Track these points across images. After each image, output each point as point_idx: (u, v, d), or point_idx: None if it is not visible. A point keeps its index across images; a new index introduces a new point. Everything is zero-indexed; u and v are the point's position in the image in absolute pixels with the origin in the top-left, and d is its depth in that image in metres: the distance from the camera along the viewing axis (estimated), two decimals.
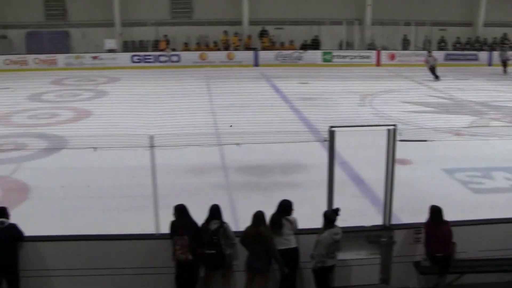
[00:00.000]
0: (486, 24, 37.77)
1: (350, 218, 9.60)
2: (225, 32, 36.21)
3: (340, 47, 36.62)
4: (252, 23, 36.63)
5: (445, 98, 24.69)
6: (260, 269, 8.44)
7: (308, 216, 8.98)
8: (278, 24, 36.66)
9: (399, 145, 8.71)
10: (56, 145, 16.78)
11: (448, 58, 35.14)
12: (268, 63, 34.66)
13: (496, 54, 34.31)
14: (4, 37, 36.96)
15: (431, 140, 14.96)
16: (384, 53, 35.47)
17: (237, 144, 9.68)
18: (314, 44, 36.04)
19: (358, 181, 14.20)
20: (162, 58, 35.19)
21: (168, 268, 8.63)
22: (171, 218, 8.58)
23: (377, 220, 9.41)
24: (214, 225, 8.40)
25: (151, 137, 8.72)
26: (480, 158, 15.72)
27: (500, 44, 36.40)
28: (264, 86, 27.61)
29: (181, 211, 8.56)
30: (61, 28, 36.97)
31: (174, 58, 35.13)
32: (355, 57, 35.41)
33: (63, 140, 16.90)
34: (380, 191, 9.56)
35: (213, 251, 8.37)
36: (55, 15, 37.24)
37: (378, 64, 35.16)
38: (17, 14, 35.86)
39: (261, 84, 28.19)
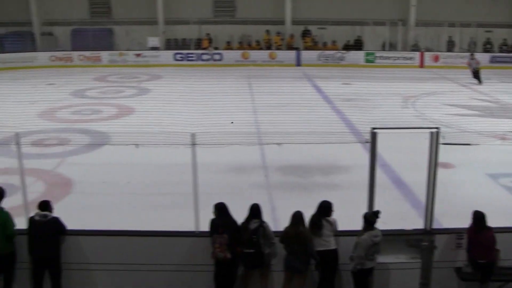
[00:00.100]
0: None
1: (391, 221, 9.51)
2: (267, 32, 36.18)
3: (383, 48, 36.24)
4: (295, 22, 36.51)
5: (490, 102, 24.23)
6: (298, 269, 8.45)
7: (348, 217, 8.94)
8: (320, 24, 36.43)
9: (441, 148, 8.59)
10: (98, 141, 17.03)
11: (494, 60, 34.41)
12: (310, 63, 34.52)
13: None
14: (50, 34, 37.66)
15: (474, 144, 14.74)
16: (427, 55, 34.96)
17: (278, 144, 9.68)
18: (357, 45, 35.73)
19: (399, 184, 14.06)
20: (204, 57, 35.37)
21: (207, 266, 8.69)
22: (211, 216, 8.64)
23: (418, 224, 9.30)
24: (254, 224, 8.43)
25: (193, 135, 8.79)
26: None
27: None
28: (306, 86, 27.52)
29: (221, 209, 8.62)
30: (105, 25, 37.50)
31: (217, 57, 35.29)
32: (398, 58, 34.99)
33: (106, 136, 17.16)
34: (421, 195, 9.45)
35: (252, 250, 8.40)
36: (100, 12, 37.80)
37: (421, 65, 34.68)
38: (63, 12, 36.48)
39: (303, 84, 28.11)
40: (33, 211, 8.71)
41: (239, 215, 8.65)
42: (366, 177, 8.72)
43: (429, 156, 8.66)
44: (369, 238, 8.20)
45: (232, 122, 16.99)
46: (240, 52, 35.49)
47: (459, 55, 34.62)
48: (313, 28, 36.46)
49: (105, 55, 35.55)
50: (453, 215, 10.71)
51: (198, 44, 36.48)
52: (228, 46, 36.12)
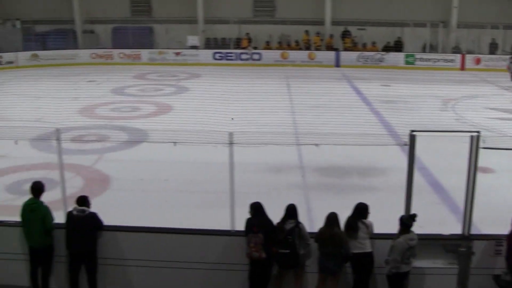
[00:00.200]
0: None
1: (428, 225, 9.39)
2: (307, 32, 36.07)
3: (424, 50, 35.77)
4: (334, 23, 36.31)
5: None
6: (332, 271, 8.41)
7: (384, 220, 8.86)
8: (360, 25, 36.15)
9: (482, 152, 8.44)
10: (137, 138, 17.21)
11: None
12: (350, 64, 34.29)
13: None
14: (92, 32, 38.25)
15: None
16: (469, 57, 34.36)
17: (316, 144, 9.62)
18: (397, 46, 35.35)
19: (437, 187, 13.87)
20: (243, 56, 35.45)
21: (241, 265, 8.71)
22: (247, 215, 8.65)
23: (455, 229, 9.15)
24: (289, 225, 8.41)
25: (231, 134, 8.81)
26: None
27: None
28: (344, 87, 27.37)
29: (257, 209, 8.61)
30: (146, 24, 37.94)
31: (256, 57, 35.33)
32: (438, 60, 34.51)
33: (144, 134, 17.33)
34: (460, 199, 9.31)
35: (287, 251, 8.37)
36: (141, 11, 38.24)
37: (462, 68, 34.14)
38: (105, 10, 37.03)
39: (342, 85, 27.95)
40: (71, 206, 8.84)
41: (275, 215, 8.63)
42: (404, 180, 8.61)
43: (469, 160, 8.51)
44: (405, 242, 8.10)
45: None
46: (279, 52, 35.46)
47: (501, 57, 33.94)
48: (352, 29, 36.21)
49: (145, 53, 35.94)
50: (492, 221, 10.50)
51: (238, 44, 36.57)
52: (267, 46, 36.13)
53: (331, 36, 35.94)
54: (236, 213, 8.94)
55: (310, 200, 12.93)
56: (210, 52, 35.90)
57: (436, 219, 11.23)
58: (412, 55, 34.67)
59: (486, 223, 10.37)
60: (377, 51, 35.16)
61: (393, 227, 8.42)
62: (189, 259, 8.95)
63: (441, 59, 34.55)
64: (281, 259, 8.48)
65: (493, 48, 35.55)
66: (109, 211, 9.64)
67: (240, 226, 8.71)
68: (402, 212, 8.56)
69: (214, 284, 9.10)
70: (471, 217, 8.78)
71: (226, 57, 35.59)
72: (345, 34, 36.04)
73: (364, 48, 35.46)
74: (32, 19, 37.15)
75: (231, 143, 8.82)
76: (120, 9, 37.70)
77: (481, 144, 8.39)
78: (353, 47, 35.69)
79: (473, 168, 8.50)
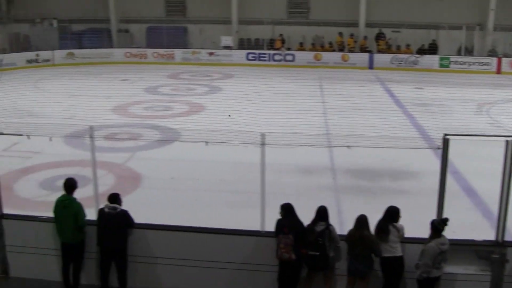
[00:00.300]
0: None
1: (460, 231, 9.25)
2: (340, 34, 35.89)
3: (459, 53, 35.24)
4: (369, 25, 36.05)
5: None
6: (362, 273, 8.36)
7: (415, 224, 8.76)
8: (395, 27, 35.80)
9: None
10: (169, 137, 17.32)
11: None
12: (383, 66, 34.00)
13: None
14: (127, 31, 38.66)
15: None
16: (505, 61, 33.74)
17: (348, 146, 9.55)
18: (432, 49, 34.95)
19: (470, 192, 13.68)
20: (276, 57, 35.42)
21: (271, 266, 8.69)
22: (277, 216, 8.62)
23: (489, 235, 8.99)
24: (320, 227, 8.37)
25: (263, 135, 8.80)
26: None
27: None
28: (378, 90, 27.16)
29: (287, 210, 8.58)
30: (180, 24, 38.18)
31: (289, 58, 35.29)
32: (474, 63, 33.98)
33: (176, 133, 17.41)
34: (493, 205, 9.15)
35: (317, 253, 8.33)
36: (175, 11, 38.51)
37: (498, 71, 33.55)
38: (140, 10, 37.36)
39: (375, 87, 27.74)
40: (103, 203, 8.93)
41: (305, 216, 8.60)
42: (436, 183, 8.50)
43: (504, 165, 8.36)
44: (436, 246, 7.99)
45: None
46: (312, 53, 35.36)
47: None
48: (387, 31, 35.89)
49: (178, 53, 36.17)
50: None
51: (271, 45, 36.57)
52: (301, 47, 36.05)
53: (365, 38, 35.69)
54: (266, 214, 8.93)
55: (340, 202, 12.86)
56: (243, 52, 35.95)
57: (468, 224, 11.06)
58: (447, 58, 34.22)
59: None
60: (411, 53, 34.79)
61: (424, 232, 8.31)
62: (218, 258, 8.97)
63: (477, 62, 34.02)
64: (310, 261, 8.44)
65: None
66: (140, 209, 9.70)
67: (270, 227, 8.70)
68: (433, 216, 8.45)
69: (243, 285, 9.11)
70: (505, 223, 8.61)
71: (259, 57, 35.60)
72: (379, 36, 35.77)
73: (398, 50, 35.12)
74: (69, 18, 37.69)
75: (262, 144, 8.82)
76: (155, 9, 38.03)
77: None
78: (387, 49, 35.39)
79: (507, 173, 8.34)
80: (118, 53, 36.25)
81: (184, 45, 37.48)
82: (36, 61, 34.45)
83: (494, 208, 8.97)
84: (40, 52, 34.84)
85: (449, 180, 8.70)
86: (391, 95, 26.02)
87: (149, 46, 37.16)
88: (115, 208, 8.79)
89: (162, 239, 9.23)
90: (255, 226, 9.03)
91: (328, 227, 8.41)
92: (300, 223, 8.51)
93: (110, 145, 16.12)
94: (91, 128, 9.35)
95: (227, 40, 36.39)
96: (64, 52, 35.45)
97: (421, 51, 34.72)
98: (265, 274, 8.83)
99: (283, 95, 20.95)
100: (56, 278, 9.42)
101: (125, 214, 8.86)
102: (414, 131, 18.68)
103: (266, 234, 8.87)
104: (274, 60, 35.38)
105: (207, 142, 9.73)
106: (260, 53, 35.84)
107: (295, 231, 8.34)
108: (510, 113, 22.00)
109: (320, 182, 14.28)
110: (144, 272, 9.28)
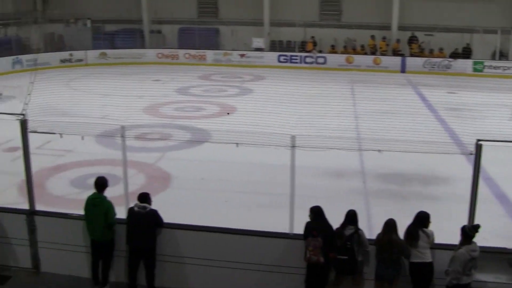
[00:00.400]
0: None
1: (492, 238, 9.12)
2: (373, 37, 35.63)
3: (493, 57, 34.70)
4: (401, 28, 35.70)
5: None
6: (389, 278, 8.27)
7: (445, 231, 8.66)
8: (428, 30, 35.38)
9: None
10: (199, 138, 17.38)
11: None
12: (416, 70, 33.64)
13: None
14: (159, 32, 38.95)
15: None
16: None
17: (379, 150, 9.48)
18: (465, 53, 34.48)
19: (503, 199, 13.47)
20: (308, 59, 35.32)
21: (299, 268, 8.66)
22: (306, 218, 8.60)
23: None
24: (349, 231, 8.32)
25: (293, 137, 8.79)
26: None
27: None
28: (409, 94, 26.89)
29: (317, 212, 8.55)
30: (212, 25, 38.33)
31: (320, 60, 35.15)
32: (508, 68, 33.39)
33: (206, 134, 17.49)
34: None
35: (345, 257, 8.29)
36: (207, 12, 38.70)
37: None
38: (172, 11, 37.59)
39: (407, 91, 27.48)
40: (133, 202, 9.00)
41: (334, 220, 8.55)
42: (467, 189, 8.39)
43: None
44: (467, 253, 7.87)
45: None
46: (344, 56, 35.14)
47: None
48: (420, 35, 35.48)
49: (210, 54, 36.32)
50: None
51: (303, 47, 36.50)
52: (333, 50, 35.90)
53: (398, 41, 35.38)
54: (295, 216, 8.90)
55: (370, 206, 12.78)
56: (275, 54, 35.93)
57: (501, 232, 10.90)
58: (481, 62, 33.71)
59: None
60: (444, 57, 34.37)
61: (454, 238, 8.19)
62: (245, 260, 8.97)
63: None
64: (339, 265, 8.39)
65: None
66: (169, 209, 9.76)
67: (299, 229, 8.67)
68: (464, 222, 8.32)
69: (270, 287, 9.09)
70: None
71: (290, 60, 35.55)
72: (412, 40, 35.41)
73: (431, 54, 34.72)
74: (102, 18, 38.17)
75: (293, 146, 8.80)
76: (187, 10, 38.24)
77: None
78: (420, 53, 35.01)
79: None
80: (150, 53, 36.57)
81: (215, 46, 37.61)
82: (69, 60, 34.93)
83: None
84: (73, 52, 35.33)
85: (481, 186, 8.57)
86: (423, 99, 25.76)
87: (181, 47, 37.36)
88: (144, 208, 8.85)
89: (190, 239, 9.27)
90: (284, 228, 9.01)
91: (357, 231, 8.35)
92: (329, 226, 8.47)
93: (141, 145, 16.23)
94: (123, 128, 9.43)
95: (258, 42, 36.40)
96: (97, 52, 35.88)
97: (455, 55, 34.26)
98: (293, 276, 8.80)
99: (314, 97, 20.82)
100: (86, 275, 9.54)
101: (154, 214, 8.92)
102: (446, 136, 18.46)
103: (295, 236, 8.85)
104: (306, 63, 35.28)
105: (237, 143, 9.74)
106: (291, 55, 35.76)
107: (324, 234, 8.30)
108: None
109: (350, 186, 14.21)
110: (172, 272, 9.33)
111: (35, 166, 10.15)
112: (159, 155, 16.54)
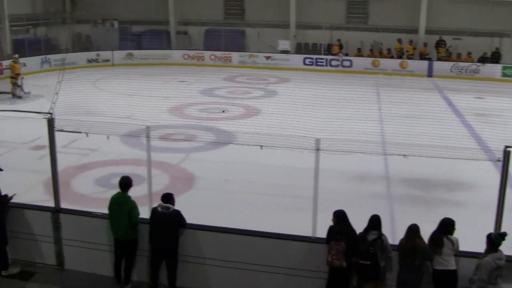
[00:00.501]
0: None
1: None
2: (400, 40, 35.37)
3: None
4: (429, 32, 35.35)
5: None
6: (412, 284, 8.16)
7: (470, 238, 8.54)
8: (456, 34, 35.00)
9: None
10: (223, 140, 17.41)
11: None
12: (443, 74, 33.30)
13: None
14: (185, 33, 39.15)
15: None
16: None
17: (404, 155, 9.39)
18: (494, 57, 34.00)
19: None
20: (333, 62, 35.17)
21: (320, 272, 8.62)
22: (329, 222, 8.55)
23: None
24: (372, 236, 8.25)
25: (317, 140, 8.75)
26: None
27: None
28: (436, 98, 26.64)
29: (340, 216, 8.50)
30: (238, 27, 38.40)
31: (346, 63, 34.99)
32: None
33: (231, 135, 17.50)
34: None
35: (368, 262, 8.21)
36: (234, 14, 38.81)
37: None
38: (199, 12, 37.77)
39: (433, 96, 27.23)
40: (157, 202, 9.02)
41: (357, 224, 8.49)
42: (494, 196, 8.27)
43: None
44: (493, 261, 7.75)
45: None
46: (370, 59, 34.95)
47: None
48: (448, 38, 35.11)
49: (235, 56, 36.38)
50: None
51: (328, 50, 36.36)
52: (359, 53, 35.72)
53: (425, 44, 35.06)
54: (318, 220, 8.86)
55: (394, 211, 12.68)
56: (300, 57, 35.85)
57: None
58: (510, 67, 33.23)
59: None
60: (472, 61, 33.92)
61: (480, 246, 8.07)
62: (267, 262, 8.95)
63: None
64: (361, 270, 8.33)
65: None
66: (192, 209, 9.76)
67: (321, 233, 8.62)
68: (490, 230, 8.20)
69: None
70: None
71: (316, 62, 35.43)
72: (440, 44, 35.07)
73: (459, 58, 34.31)
74: (129, 19, 38.50)
75: (317, 150, 8.76)
76: (213, 12, 38.38)
77: None
78: (447, 57, 34.66)
79: None
80: (176, 54, 36.73)
81: (241, 48, 37.67)
82: (96, 60, 35.27)
83: None
84: (100, 52, 35.67)
85: (509, 193, 8.45)
86: (450, 104, 25.49)
87: (206, 48, 37.48)
88: (168, 208, 8.87)
89: (213, 240, 9.27)
90: (306, 232, 8.97)
91: (381, 236, 8.28)
92: (352, 230, 8.41)
93: (165, 145, 16.30)
94: (148, 128, 9.48)
95: (284, 44, 36.36)
96: (124, 52, 36.19)
97: (483, 60, 33.84)
98: (314, 280, 8.76)
99: (339, 101, 20.73)
100: (108, 273, 9.60)
101: (177, 214, 8.94)
102: (472, 142, 18.23)
103: (317, 240, 8.81)
104: (331, 66, 35.13)
105: (261, 146, 9.72)
106: (317, 58, 35.63)
107: (348, 238, 8.25)
108: None
109: (373, 190, 14.11)
110: (194, 272, 9.34)
111: (61, 165, 10.24)
112: (183, 156, 16.60)
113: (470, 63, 33.70)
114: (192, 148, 17.17)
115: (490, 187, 9.07)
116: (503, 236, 7.90)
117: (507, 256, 7.88)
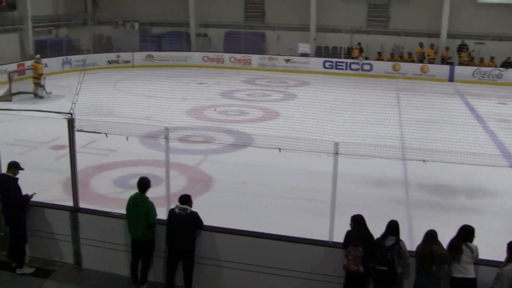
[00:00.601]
0: None
1: None
2: (421, 44, 35.11)
3: None
4: (451, 36, 35.01)
5: None
6: None
7: (490, 246, 8.44)
8: (479, 39, 34.67)
9: None
10: (242, 142, 17.39)
11: None
12: (464, 79, 32.89)
13: None
14: (205, 35, 39.24)
15: None
16: None
17: (423, 160, 9.32)
18: None
19: None
20: (353, 66, 35.01)
21: (337, 277, 8.58)
22: (346, 226, 8.50)
23: None
24: (390, 241, 8.18)
25: (336, 144, 8.71)
26: None
27: None
28: (457, 103, 26.37)
29: (358, 221, 8.45)
30: (258, 29, 38.40)
31: (366, 67, 34.80)
32: None
33: (249, 138, 17.46)
34: None
35: (385, 268, 8.14)
36: (254, 17, 38.79)
37: None
38: (219, 15, 37.81)
39: (455, 101, 26.94)
40: (174, 204, 9.04)
41: (375, 229, 8.43)
42: None
43: None
44: None
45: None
46: (390, 63, 34.67)
47: None
48: (470, 43, 34.75)
49: (255, 58, 36.37)
50: None
51: (348, 53, 36.22)
52: (379, 57, 35.52)
53: (447, 49, 34.74)
54: (335, 224, 8.81)
55: (412, 217, 12.58)
56: (320, 60, 35.72)
57: None
58: None
59: None
60: (495, 66, 33.53)
61: (500, 254, 7.96)
62: (283, 266, 8.93)
63: None
64: (378, 276, 8.25)
65: None
66: (209, 211, 9.77)
67: (338, 237, 8.57)
68: (510, 238, 8.08)
69: None
70: None
71: (336, 66, 35.28)
72: (462, 48, 34.69)
73: (481, 63, 33.91)
74: (150, 21, 38.71)
75: (336, 153, 8.72)
76: (234, 14, 38.42)
77: None
78: (470, 62, 34.29)
79: None
80: (196, 56, 36.82)
81: (261, 50, 37.65)
82: (116, 62, 35.50)
83: None
84: (120, 54, 35.92)
85: None
86: (471, 109, 25.26)
87: (226, 50, 37.56)
88: (185, 209, 8.88)
89: (229, 242, 9.27)
90: (324, 236, 8.92)
91: (398, 242, 8.22)
92: (370, 235, 8.36)
93: (183, 147, 16.32)
94: (167, 130, 9.50)
95: (304, 47, 36.29)
96: (144, 54, 36.36)
97: (507, 64, 33.38)
98: (331, 285, 8.72)
99: (358, 104, 20.64)
100: (125, 273, 9.65)
101: (195, 216, 8.95)
102: (494, 148, 18.02)
103: (334, 244, 8.77)
104: (351, 69, 34.99)
105: (280, 149, 9.70)
106: (337, 62, 35.48)
107: (365, 243, 8.19)
108: None
109: (391, 195, 14.02)
110: (210, 274, 9.35)
111: (80, 165, 10.32)
112: (201, 157, 16.62)
113: (493, 68, 33.28)
114: (210, 150, 17.20)
115: (511, 195, 8.96)
116: None
117: None
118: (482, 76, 33.04)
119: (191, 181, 14.63)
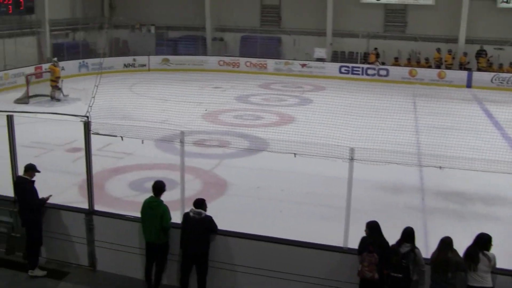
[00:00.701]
0: None
1: None
2: (438, 50, 34.87)
3: None
4: (469, 41, 34.69)
5: None
6: None
7: (508, 255, 8.33)
8: (498, 44, 34.35)
9: None
10: (257, 147, 17.38)
11: None
12: (482, 85, 32.54)
13: None
14: (221, 39, 39.31)
15: None
16: None
17: (440, 167, 9.25)
18: None
19: None
20: (370, 71, 34.86)
21: (351, 284, 8.53)
22: (361, 233, 8.44)
23: None
24: (405, 248, 8.11)
25: (352, 150, 8.66)
26: None
27: None
28: (475, 110, 26.15)
29: (373, 228, 8.39)
30: (274, 34, 38.41)
31: (383, 72, 34.65)
32: None
33: (264, 143, 17.45)
34: None
35: (399, 275, 8.07)
36: (270, 21, 38.79)
37: None
38: (235, 19, 37.89)
39: (472, 107, 26.73)
40: (189, 207, 9.03)
41: (390, 236, 8.36)
42: None
43: None
44: None
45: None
46: (407, 69, 34.47)
47: None
48: (489, 48, 34.43)
49: (271, 63, 36.34)
50: None
51: (365, 58, 36.08)
52: (396, 62, 35.32)
53: (465, 54, 34.44)
54: (350, 230, 8.76)
55: (428, 224, 12.47)
56: (336, 65, 35.59)
57: None
58: None
59: None
60: None
61: None
62: (297, 271, 8.90)
63: None
64: (393, 282, 8.18)
65: None
66: (224, 216, 9.76)
67: (353, 243, 8.52)
68: None
69: None
70: None
71: (352, 71, 35.14)
72: (480, 53, 34.35)
73: (500, 69, 33.55)
74: (166, 25, 38.88)
75: (351, 159, 8.67)
76: (250, 19, 38.45)
77: None
78: (488, 68, 33.95)
79: None
80: (211, 60, 36.88)
81: (277, 55, 37.66)
82: (132, 65, 35.65)
83: None
84: (137, 57, 36.05)
85: None
86: (489, 116, 25.05)
87: (242, 55, 37.57)
88: (200, 213, 8.87)
89: (243, 247, 9.25)
90: (338, 242, 8.87)
91: (414, 249, 8.14)
92: (386, 242, 8.30)
93: (199, 151, 16.34)
94: (182, 133, 9.51)
95: (320, 52, 36.21)
96: (160, 58, 36.47)
97: None
98: None
99: (374, 110, 20.57)
100: (139, 276, 9.66)
101: (209, 220, 8.94)
102: None
103: (349, 251, 8.72)
104: (367, 74, 34.83)
105: (295, 154, 9.67)
106: (353, 67, 35.37)
107: (380, 250, 8.12)
108: None
109: (407, 202, 13.92)
110: (223, 278, 9.33)
111: (95, 167, 10.35)
112: (216, 162, 16.62)
113: None
114: (225, 154, 17.19)
115: None
116: None
117: None
118: (501, 82, 32.71)
119: (206, 185, 14.63)
